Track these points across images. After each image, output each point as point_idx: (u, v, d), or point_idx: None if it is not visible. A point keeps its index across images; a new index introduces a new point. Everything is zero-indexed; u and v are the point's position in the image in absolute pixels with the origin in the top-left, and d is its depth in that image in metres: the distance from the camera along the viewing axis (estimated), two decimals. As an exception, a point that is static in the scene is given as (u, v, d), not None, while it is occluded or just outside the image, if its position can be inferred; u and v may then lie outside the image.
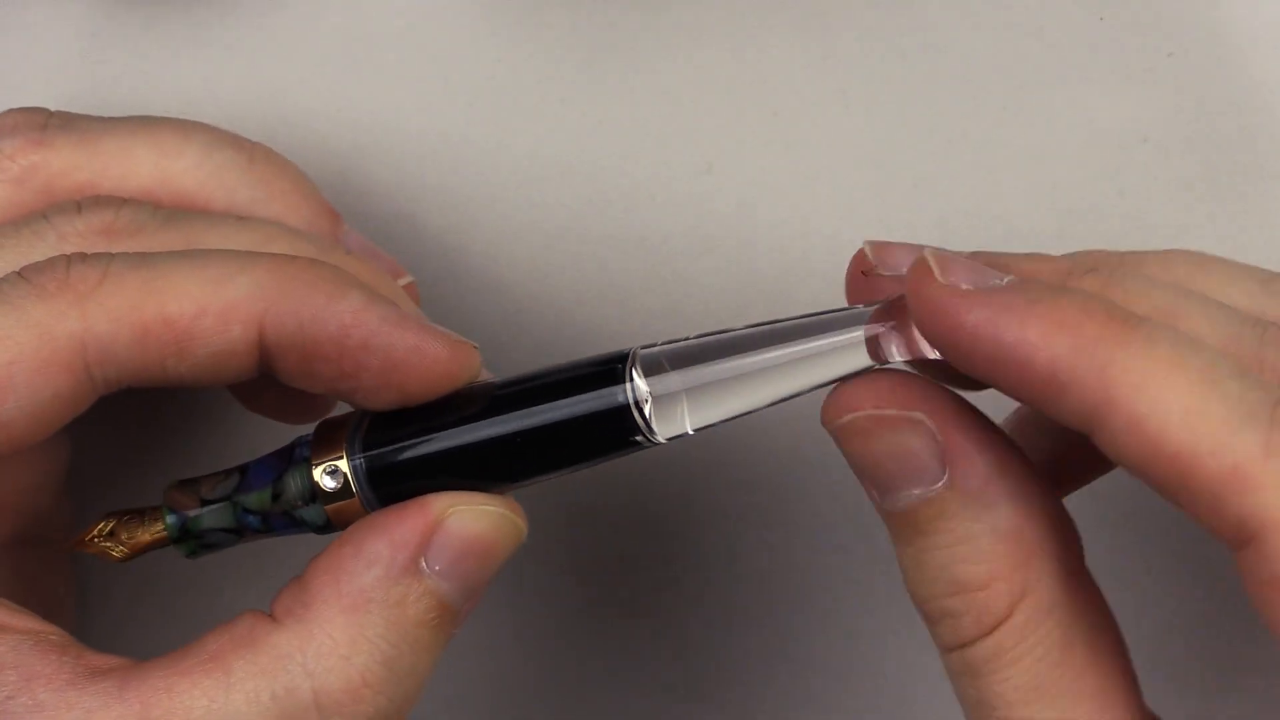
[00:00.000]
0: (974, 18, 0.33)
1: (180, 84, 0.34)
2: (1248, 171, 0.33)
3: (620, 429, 0.24)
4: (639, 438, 0.24)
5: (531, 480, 0.25)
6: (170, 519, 0.26)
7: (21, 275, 0.24)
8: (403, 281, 0.29)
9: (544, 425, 0.24)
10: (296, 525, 0.26)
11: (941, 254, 0.23)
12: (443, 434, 0.25)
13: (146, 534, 0.26)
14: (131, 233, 0.26)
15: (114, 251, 0.25)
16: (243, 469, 0.26)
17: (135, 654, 0.24)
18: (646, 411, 0.24)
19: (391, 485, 0.25)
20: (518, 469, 0.25)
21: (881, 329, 0.24)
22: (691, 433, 0.24)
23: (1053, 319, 0.22)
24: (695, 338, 0.25)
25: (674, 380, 0.24)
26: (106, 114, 0.33)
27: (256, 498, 0.26)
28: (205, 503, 0.26)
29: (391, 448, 0.25)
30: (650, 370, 0.24)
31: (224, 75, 0.34)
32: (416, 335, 0.25)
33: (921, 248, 0.24)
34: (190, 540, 0.26)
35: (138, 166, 0.28)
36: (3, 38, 0.34)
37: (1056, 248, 0.33)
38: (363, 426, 0.25)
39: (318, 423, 0.26)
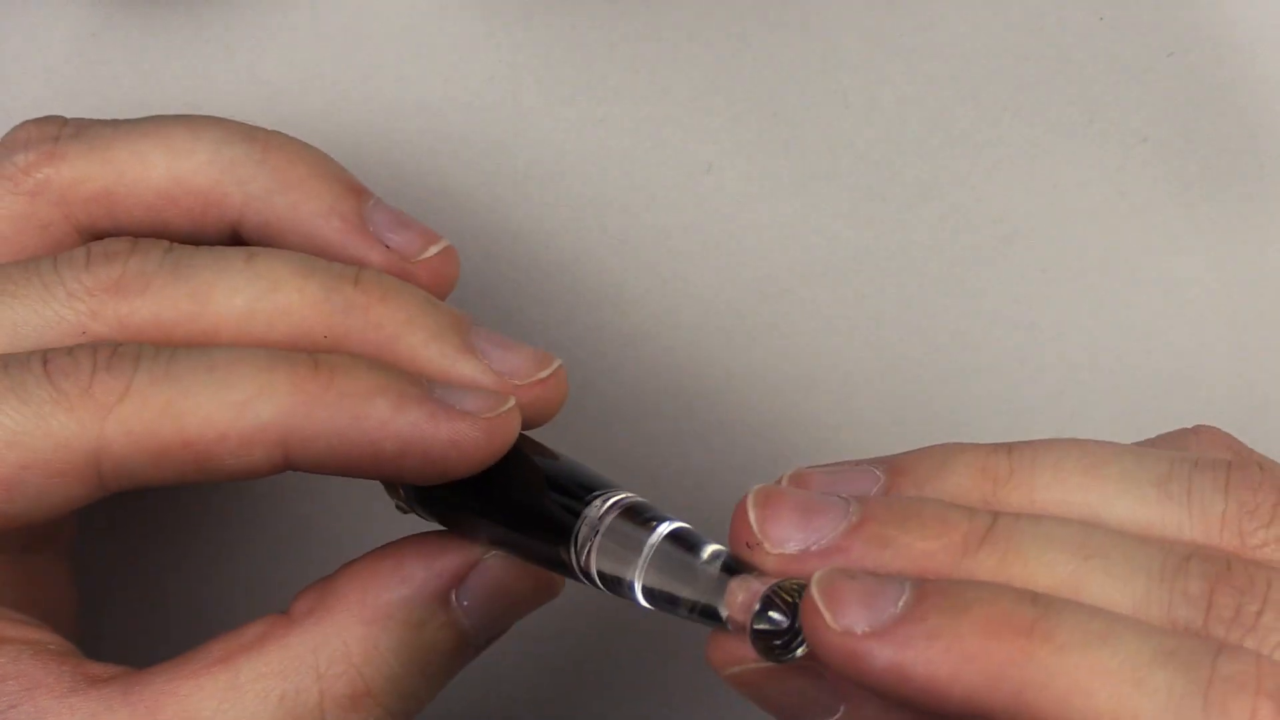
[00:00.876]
0: (974, 18, 0.33)
1: (180, 84, 0.34)
2: (1248, 171, 0.33)
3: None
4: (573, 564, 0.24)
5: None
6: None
7: (47, 374, 0.24)
8: (435, 249, 0.29)
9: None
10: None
11: (828, 581, 0.21)
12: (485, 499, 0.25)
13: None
14: (139, 290, 0.26)
15: (123, 310, 0.25)
16: None
17: (143, 665, 0.24)
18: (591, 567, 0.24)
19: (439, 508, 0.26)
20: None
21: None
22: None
23: (957, 651, 0.21)
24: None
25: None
26: (105, 114, 0.33)
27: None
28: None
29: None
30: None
31: (224, 75, 0.34)
32: (449, 429, 0.24)
33: (809, 516, 0.22)
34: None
35: (150, 171, 0.28)
36: (3, 38, 0.34)
37: (1057, 247, 0.33)
38: None
39: None
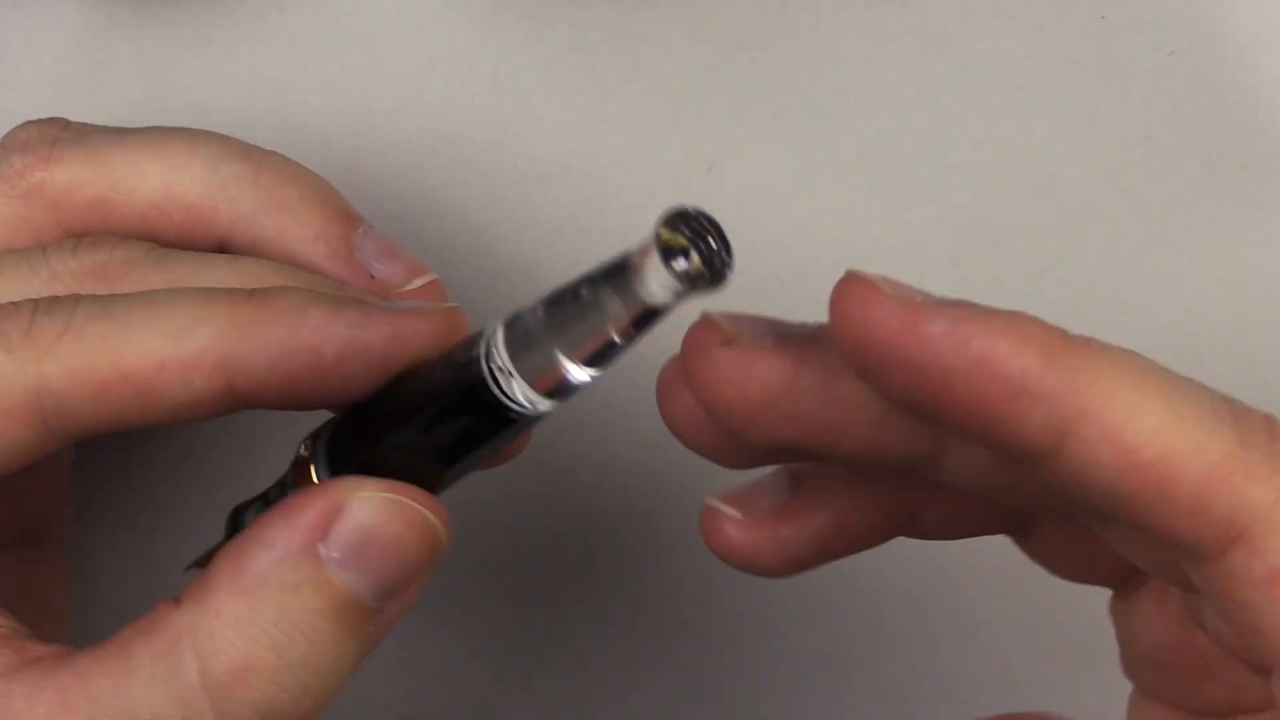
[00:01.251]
0: (975, 17, 0.33)
1: (181, 84, 0.34)
2: (1249, 170, 0.33)
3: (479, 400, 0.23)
4: (511, 406, 0.22)
5: (450, 469, 0.24)
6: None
7: None
8: (420, 281, 0.29)
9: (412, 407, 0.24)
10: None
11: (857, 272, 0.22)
12: (368, 414, 0.24)
13: None
14: (122, 274, 0.26)
15: (101, 293, 0.25)
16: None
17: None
18: (500, 378, 0.22)
19: (343, 467, 0.24)
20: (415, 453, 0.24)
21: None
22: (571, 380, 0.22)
23: (1018, 331, 0.21)
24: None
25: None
26: (105, 115, 0.33)
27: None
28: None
29: (339, 427, 0.25)
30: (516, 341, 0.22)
31: (225, 75, 0.34)
32: (389, 323, 0.24)
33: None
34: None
35: (145, 181, 0.28)
36: (3, 38, 0.34)
37: (1057, 246, 0.33)
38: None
39: None
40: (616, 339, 0.22)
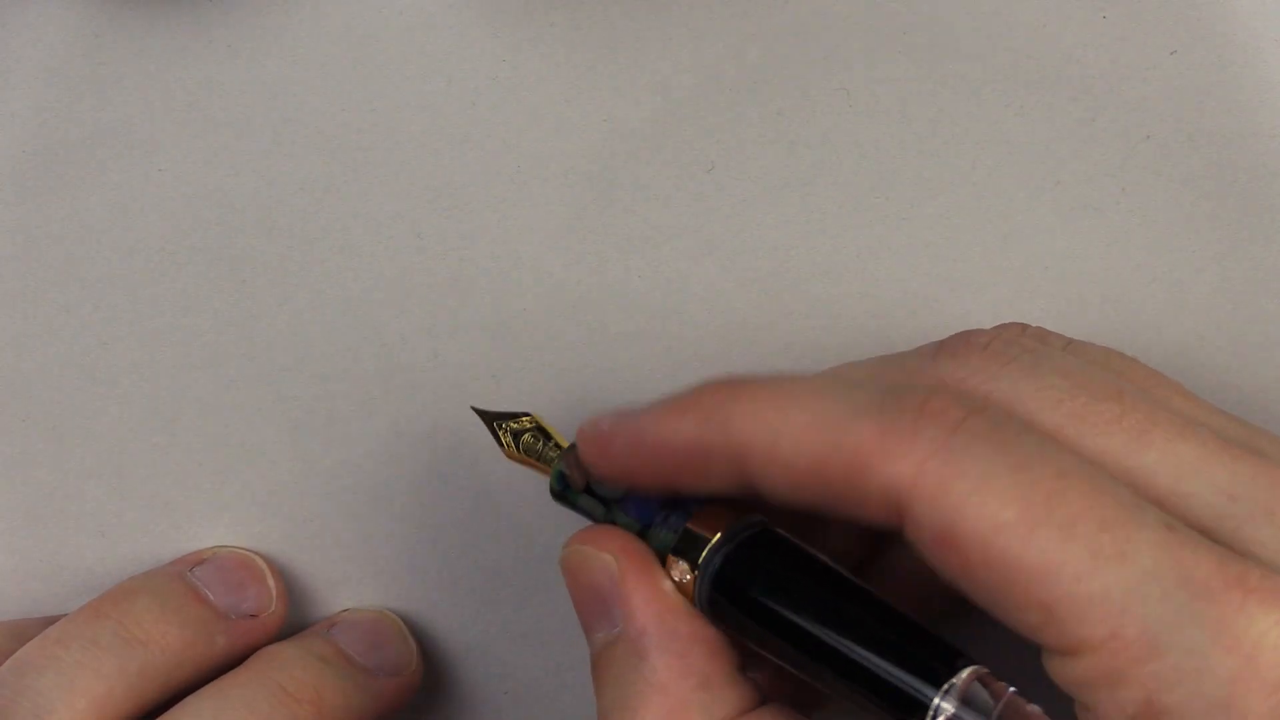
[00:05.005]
0: (976, 16, 0.33)
1: (183, 84, 0.34)
2: (1250, 169, 0.33)
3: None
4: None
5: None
6: (556, 474, 0.29)
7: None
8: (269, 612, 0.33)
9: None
10: None
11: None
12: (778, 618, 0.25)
13: (535, 458, 0.30)
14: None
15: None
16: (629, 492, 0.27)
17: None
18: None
19: (720, 610, 0.26)
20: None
21: None
22: None
23: (679, 407, 0.25)
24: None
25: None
26: (105, 114, 0.33)
27: (624, 520, 0.27)
28: (589, 491, 0.28)
29: (740, 579, 0.25)
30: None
31: (226, 75, 0.34)
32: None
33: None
34: (558, 493, 0.29)
35: None
36: (3, 38, 0.34)
37: (1058, 245, 0.33)
38: (735, 540, 0.26)
39: (710, 498, 0.26)
40: None
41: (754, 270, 0.34)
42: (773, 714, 0.26)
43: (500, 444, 0.31)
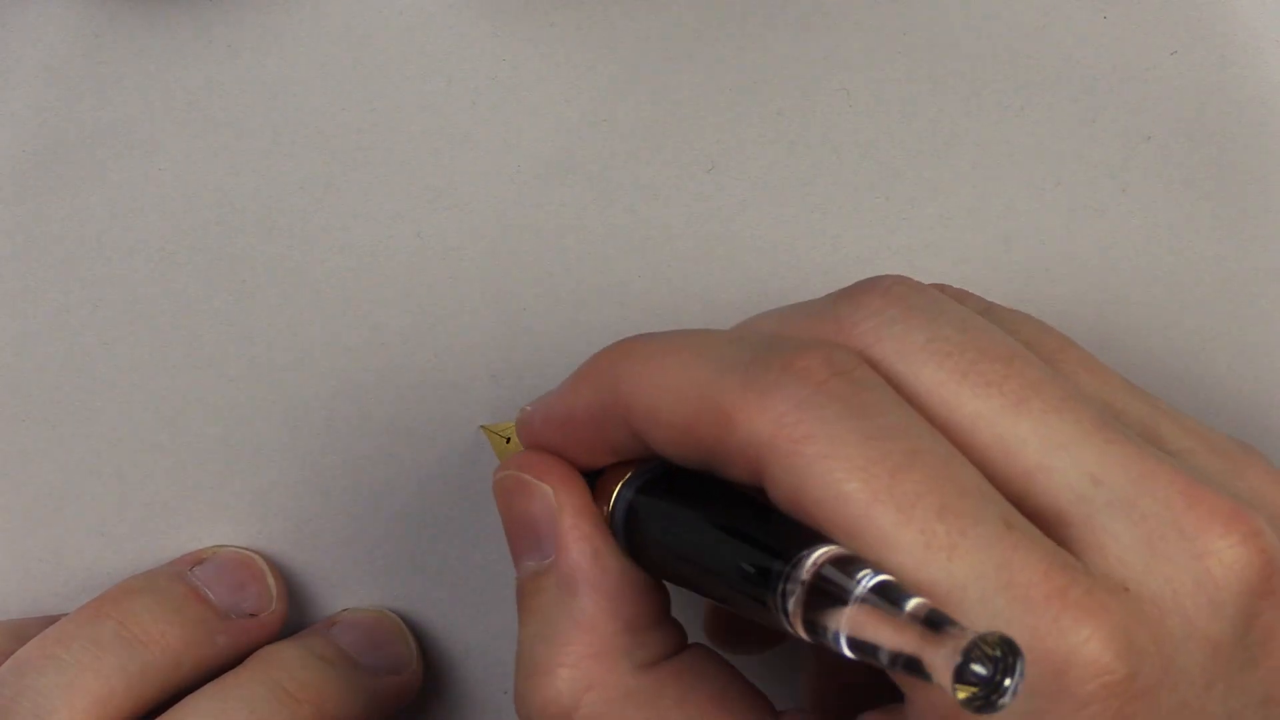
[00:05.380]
0: (976, 16, 0.33)
1: (183, 84, 0.34)
2: (1251, 169, 0.33)
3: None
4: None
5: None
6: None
7: None
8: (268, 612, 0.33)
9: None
10: None
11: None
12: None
13: None
14: None
15: None
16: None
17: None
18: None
19: (632, 545, 0.26)
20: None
21: None
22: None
23: (578, 379, 0.26)
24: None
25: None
26: (105, 114, 0.33)
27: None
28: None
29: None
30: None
31: (226, 75, 0.34)
32: None
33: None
34: None
35: None
36: (3, 38, 0.34)
37: (1059, 245, 0.33)
38: (640, 479, 0.26)
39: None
40: (884, 658, 0.21)
41: (754, 270, 0.34)
42: (695, 656, 0.26)
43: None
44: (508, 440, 0.32)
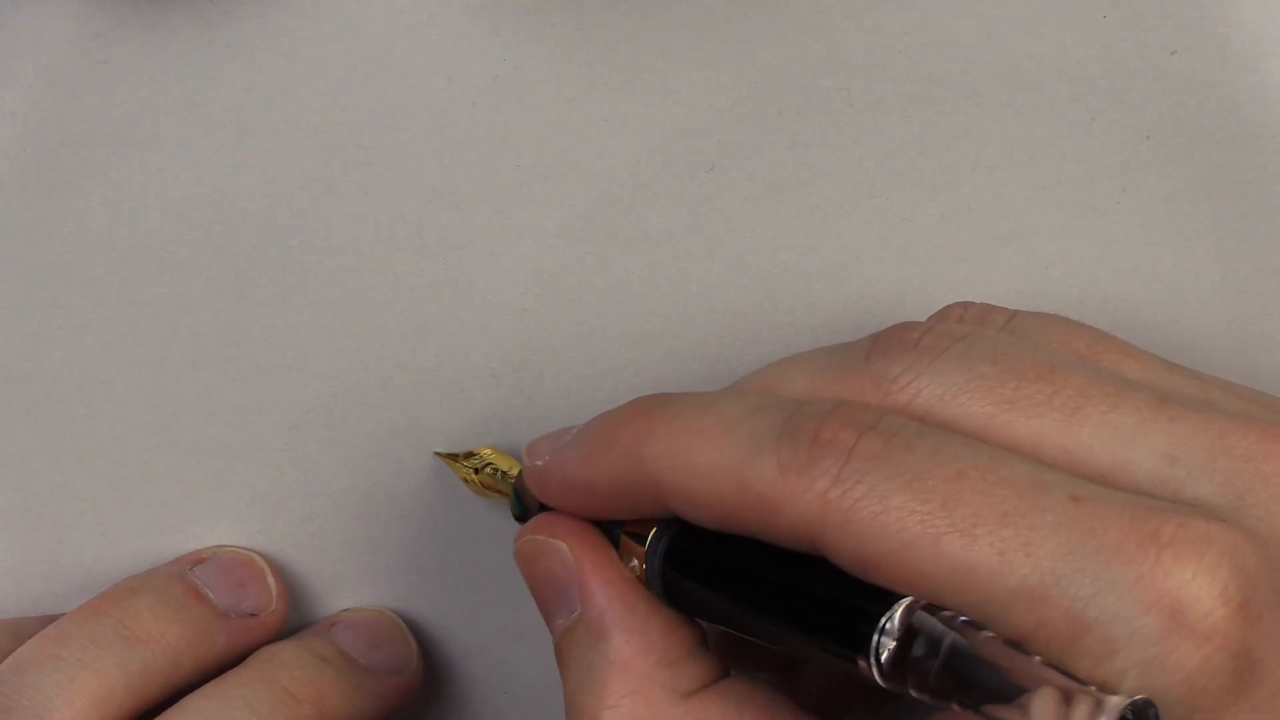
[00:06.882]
0: (977, 15, 0.33)
1: (183, 84, 0.34)
2: (1251, 169, 0.33)
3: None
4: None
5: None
6: (513, 499, 0.31)
7: None
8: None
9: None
10: None
11: (532, 444, 0.28)
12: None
13: (496, 488, 0.32)
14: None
15: None
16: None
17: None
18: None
19: (673, 588, 0.26)
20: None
21: None
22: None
23: (598, 443, 0.25)
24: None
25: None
26: (105, 114, 0.33)
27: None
28: (544, 509, 0.28)
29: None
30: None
31: (227, 75, 0.34)
32: None
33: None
34: (518, 516, 0.30)
35: None
36: (3, 38, 0.34)
37: (1059, 245, 0.33)
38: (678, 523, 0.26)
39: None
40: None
41: (754, 270, 0.34)
42: (738, 683, 0.26)
43: (465, 481, 0.32)
44: (468, 456, 0.32)
